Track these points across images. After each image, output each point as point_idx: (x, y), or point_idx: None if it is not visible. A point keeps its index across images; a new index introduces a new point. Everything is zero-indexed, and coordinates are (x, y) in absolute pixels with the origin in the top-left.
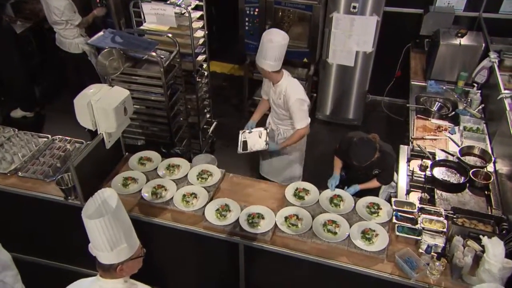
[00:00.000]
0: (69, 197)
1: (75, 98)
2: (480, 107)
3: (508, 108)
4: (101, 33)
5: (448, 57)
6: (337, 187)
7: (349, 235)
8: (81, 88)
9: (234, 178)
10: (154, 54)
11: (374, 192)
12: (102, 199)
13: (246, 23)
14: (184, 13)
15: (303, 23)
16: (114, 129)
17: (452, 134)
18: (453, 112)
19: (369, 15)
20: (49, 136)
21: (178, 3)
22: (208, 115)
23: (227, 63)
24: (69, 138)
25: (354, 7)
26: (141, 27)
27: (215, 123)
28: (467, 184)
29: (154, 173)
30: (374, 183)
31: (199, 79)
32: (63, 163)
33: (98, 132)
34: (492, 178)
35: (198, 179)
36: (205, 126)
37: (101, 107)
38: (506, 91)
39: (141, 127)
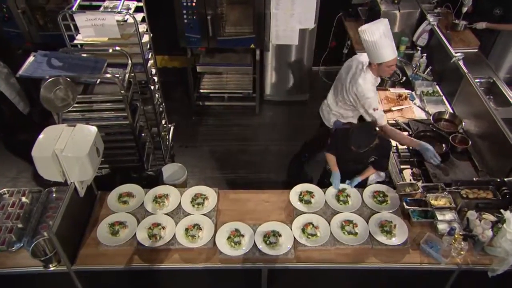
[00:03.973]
0: (50, 265)
1: (32, 151)
2: (428, 69)
3: (466, 70)
4: (31, 58)
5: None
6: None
7: (369, 232)
8: None
9: (230, 194)
10: (108, 75)
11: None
12: None
13: (185, 16)
14: (128, 19)
15: (245, 9)
16: (90, 176)
17: (412, 100)
18: (404, 78)
19: None
20: None
21: (118, 10)
22: (163, 121)
23: (157, 55)
24: (22, 189)
25: None
26: (75, 42)
27: (172, 127)
28: (449, 151)
29: (142, 211)
30: (371, 171)
31: (153, 87)
32: (25, 222)
33: (68, 183)
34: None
35: (194, 206)
36: (163, 133)
37: (71, 156)
38: (458, 54)
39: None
